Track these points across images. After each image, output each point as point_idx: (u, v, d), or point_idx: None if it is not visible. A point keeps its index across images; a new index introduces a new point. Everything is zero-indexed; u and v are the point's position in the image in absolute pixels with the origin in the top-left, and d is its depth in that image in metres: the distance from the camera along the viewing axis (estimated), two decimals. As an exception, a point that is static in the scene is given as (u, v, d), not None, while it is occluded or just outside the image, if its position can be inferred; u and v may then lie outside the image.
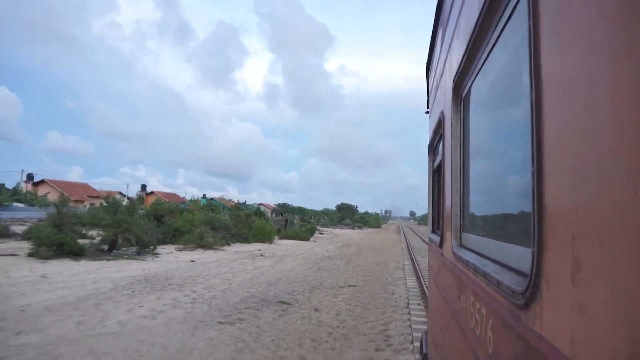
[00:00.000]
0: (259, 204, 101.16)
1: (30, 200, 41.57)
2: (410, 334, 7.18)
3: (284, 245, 26.01)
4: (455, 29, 2.08)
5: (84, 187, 56.03)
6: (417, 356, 5.08)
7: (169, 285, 10.97)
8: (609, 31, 0.61)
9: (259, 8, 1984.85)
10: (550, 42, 0.84)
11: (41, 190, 46.67)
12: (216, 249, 20.48)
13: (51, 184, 49.64)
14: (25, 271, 11.66)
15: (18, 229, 24.86)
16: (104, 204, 28.06)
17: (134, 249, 17.01)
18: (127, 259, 15.38)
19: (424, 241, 36.97)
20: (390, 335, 7.22)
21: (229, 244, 22.76)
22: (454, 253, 1.99)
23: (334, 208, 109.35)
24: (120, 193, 67.30)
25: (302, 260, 18.65)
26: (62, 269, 12.49)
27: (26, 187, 48.14)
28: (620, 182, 0.56)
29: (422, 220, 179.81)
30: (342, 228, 70.15)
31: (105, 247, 16.16)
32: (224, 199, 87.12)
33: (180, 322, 7.66)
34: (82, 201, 48.31)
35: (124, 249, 17.09)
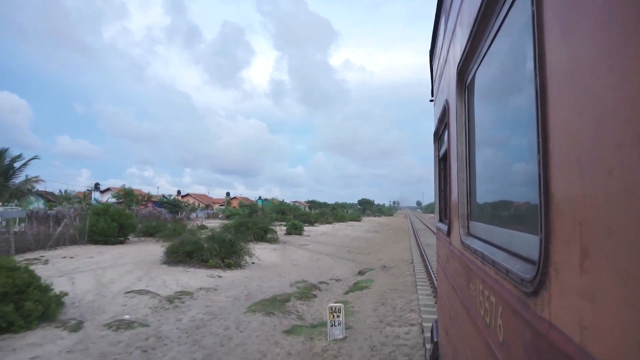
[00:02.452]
0: (294, 202, 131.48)
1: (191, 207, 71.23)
2: (408, 231, 36.64)
3: (353, 223, 55.38)
4: (459, 16, 2.05)
5: (205, 196, 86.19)
6: (429, 345, 5.16)
7: (345, 229, 40.12)
8: (617, 16, 0.59)
9: (261, 7, 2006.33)
10: (554, 28, 0.81)
11: (187, 201, 76.29)
12: (332, 225, 49.71)
13: (193, 196, 79.74)
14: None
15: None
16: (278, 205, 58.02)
17: (307, 224, 46.03)
18: (311, 226, 44.37)
19: (418, 218, 67.54)
20: (406, 231, 36.64)
21: (333, 223, 52.04)
22: (462, 242, 1.98)
23: (346, 201, 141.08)
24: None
25: (368, 226, 48.17)
26: (314, 228, 41.62)
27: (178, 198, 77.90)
28: (628, 170, 0.56)
29: (426, 209, 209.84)
30: (367, 216, 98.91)
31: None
32: (275, 198, 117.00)
33: (363, 233, 36.97)
34: (209, 205, 78.20)
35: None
